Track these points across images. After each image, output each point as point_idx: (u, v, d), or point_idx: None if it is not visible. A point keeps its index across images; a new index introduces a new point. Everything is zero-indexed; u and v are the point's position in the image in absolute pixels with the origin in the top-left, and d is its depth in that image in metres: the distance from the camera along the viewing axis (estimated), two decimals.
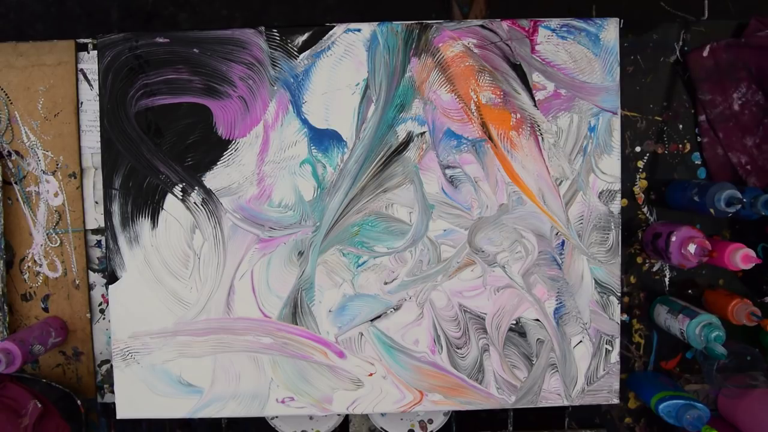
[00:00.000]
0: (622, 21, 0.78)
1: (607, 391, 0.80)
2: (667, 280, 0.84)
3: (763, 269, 0.80)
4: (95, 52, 0.80)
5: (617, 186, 0.79)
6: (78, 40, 0.81)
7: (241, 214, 0.79)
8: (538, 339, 0.80)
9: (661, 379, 0.82)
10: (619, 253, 0.79)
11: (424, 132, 0.78)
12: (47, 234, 0.82)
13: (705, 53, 0.80)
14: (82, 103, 0.82)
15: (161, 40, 0.77)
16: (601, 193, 0.79)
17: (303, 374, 0.80)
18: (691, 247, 0.73)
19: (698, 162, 0.83)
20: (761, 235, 0.83)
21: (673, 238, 0.75)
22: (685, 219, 0.81)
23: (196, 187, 0.79)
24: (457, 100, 0.78)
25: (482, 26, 0.77)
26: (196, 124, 0.78)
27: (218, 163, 0.79)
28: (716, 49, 0.80)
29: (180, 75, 0.78)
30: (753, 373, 0.77)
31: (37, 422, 0.74)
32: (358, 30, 0.77)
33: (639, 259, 0.84)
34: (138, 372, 0.79)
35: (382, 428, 0.84)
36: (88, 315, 0.83)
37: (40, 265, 0.83)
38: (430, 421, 0.84)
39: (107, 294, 0.80)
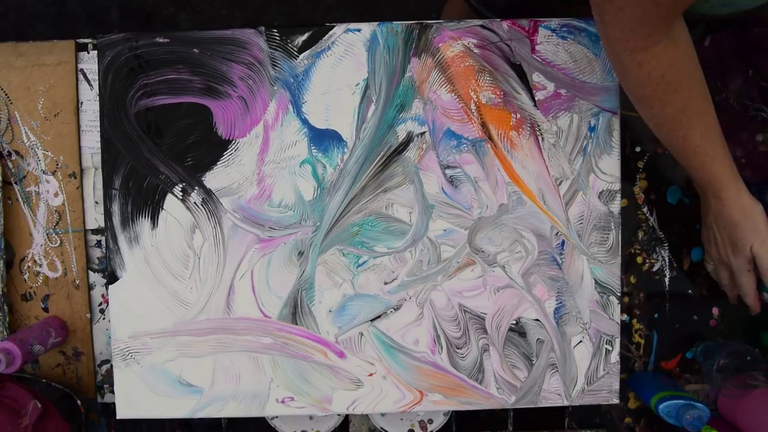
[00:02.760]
0: None
1: (607, 391, 0.80)
2: (667, 280, 0.84)
3: None
4: (95, 52, 0.80)
5: (617, 186, 0.79)
6: (78, 40, 0.81)
7: (241, 214, 0.79)
8: (538, 339, 0.80)
9: (661, 379, 0.82)
10: (619, 253, 0.79)
11: (424, 132, 0.78)
12: (47, 234, 0.82)
13: (706, 43, 0.81)
14: (82, 103, 0.82)
15: (161, 40, 0.77)
16: (601, 193, 0.79)
17: (303, 374, 0.80)
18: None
19: None
20: None
21: None
22: None
23: (196, 187, 0.79)
24: (457, 100, 0.78)
25: (482, 26, 0.77)
26: (196, 124, 0.78)
27: (218, 163, 0.79)
28: (718, 39, 0.81)
29: (180, 75, 0.78)
30: (753, 373, 0.77)
31: (37, 422, 0.74)
32: (358, 30, 0.77)
33: (639, 259, 0.84)
34: (138, 372, 0.79)
35: (382, 428, 0.84)
36: (88, 315, 0.83)
37: (40, 265, 0.83)
38: (430, 421, 0.84)
39: (107, 294, 0.80)
